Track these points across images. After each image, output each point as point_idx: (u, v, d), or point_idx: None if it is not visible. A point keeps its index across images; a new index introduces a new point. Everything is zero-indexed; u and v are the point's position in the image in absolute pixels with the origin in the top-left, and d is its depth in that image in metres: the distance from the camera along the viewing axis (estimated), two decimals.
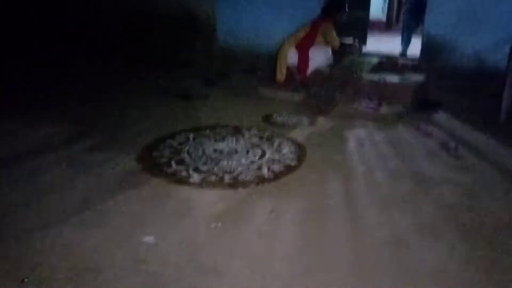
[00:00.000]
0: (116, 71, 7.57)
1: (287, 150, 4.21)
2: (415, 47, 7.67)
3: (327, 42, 6.24)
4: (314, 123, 5.04)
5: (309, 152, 4.13)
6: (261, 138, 4.53)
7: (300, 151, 4.18)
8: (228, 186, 3.47)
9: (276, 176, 3.64)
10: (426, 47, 5.80)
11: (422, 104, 5.52)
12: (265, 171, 3.72)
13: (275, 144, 4.35)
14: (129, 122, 4.99)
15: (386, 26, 13.50)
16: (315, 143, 4.38)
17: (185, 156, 4.04)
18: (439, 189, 3.39)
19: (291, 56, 6.20)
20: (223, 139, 4.49)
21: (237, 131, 4.73)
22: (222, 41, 8.05)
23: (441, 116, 5.31)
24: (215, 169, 3.75)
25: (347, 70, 6.11)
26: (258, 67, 7.48)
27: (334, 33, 6.09)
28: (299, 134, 4.64)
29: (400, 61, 6.25)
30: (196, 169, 3.74)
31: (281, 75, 6.27)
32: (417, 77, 5.79)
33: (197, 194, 3.30)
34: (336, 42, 6.03)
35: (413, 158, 4.00)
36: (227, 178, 3.58)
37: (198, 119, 5.17)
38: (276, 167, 3.80)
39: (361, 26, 8.12)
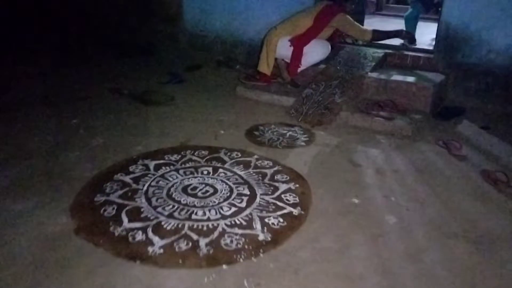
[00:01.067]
0: (49, 57, 6.17)
1: (284, 187, 3.11)
2: (426, 38, 6.66)
3: (343, 36, 5.16)
4: (312, 140, 3.96)
5: (314, 189, 3.08)
6: (246, 166, 3.41)
7: (302, 189, 3.11)
8: (205, 261, 2.36)
9: (275, 237, 2.56)
10: (443, 39, 4.77)
11: (442, 112, 4.53)
12: (258, 228, 2.63)
13: (267, 178, 3.24)
14: (62, 143, 3.73)
15: (377, 7, 12.45)
16: (320, 173, 3.33)
17: (142, 202, 2.87)
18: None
19: (283, 46, 5.01)
20: (195, 169, 3.34)
21: (213, 155, 3.59)
22: (190, 25, 6.76)
23: (467, 128, 4.33)
24: (186, 226, 2.62)
25: (346, 66, 5.02)
26: (236, 59, 6.28)
27: (355, 23, 4.92)
28: (296, 159, 3.56)
29: (410, 56, 5.20)
30: (158, 228, 2.59)
31: (267, 68, 5.10)
32: (433, 77, 4.77)
33: (158, 279, 2.18)
34: (368, 33, 4.81)
35: (456, 199, 3.02)
36: (203, 244, 2.47)
37: (162, 135, 3.99)
38: (273, 220, 2.71)
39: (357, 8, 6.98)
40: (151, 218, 2.72)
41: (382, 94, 4.63)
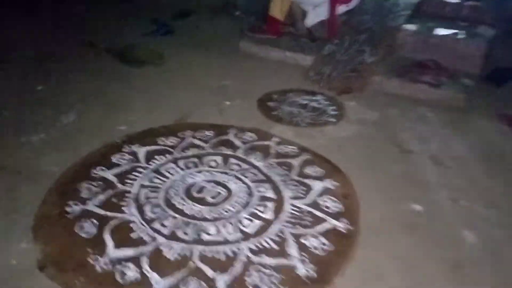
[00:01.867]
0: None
1: (319, 187, 2.39)
2: None
3: None
4: (342, 114, 3.19)
5: (358, 188, 2.36)
6: (265, 154, 2.66)
7: (343, 189, 2.42)
8: None
9: (321, 272, 1.88)
10: None
11: (493, 74, 3.77)
12: (294, 254, 1.93)
13: (294, 171, 2.50)
14: (21, 121, 2.91)
15: None
16: (361, 164, 2.65)
17: (132, 213, 2.13)
18: None
19: None
20: (199, 160, 2.57)
21: (220, 137, 2.82)
22: None
23: None
24: (196, 254, 1.91)
25: (374, 16, 4.16)
26: (235, 4, 5.31)
27: None
28: (326, 142, 2.82)
29: (451, 4, 4.34)
30: (157, 258, 1.90)
31: (280, 12, 4.19)
32: (482, 31, 3.96)
33: None
34: None
35: None
36: (222, 285, 1.77)
37: (151, 108, 3.18)
38: (314, 242, 2.02)
39: None
40: (147, 240, 1.99)
41: (422, 52, 3.83)
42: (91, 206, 2.18)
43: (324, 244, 2.02)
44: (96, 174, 2.42)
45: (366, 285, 1.83)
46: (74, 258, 1.88)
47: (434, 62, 3.67)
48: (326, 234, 2.09)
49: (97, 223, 2.07)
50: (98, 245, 1.94)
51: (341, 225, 2.14)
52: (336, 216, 2.20)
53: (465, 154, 2.78)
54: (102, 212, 2.14)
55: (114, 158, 2.57)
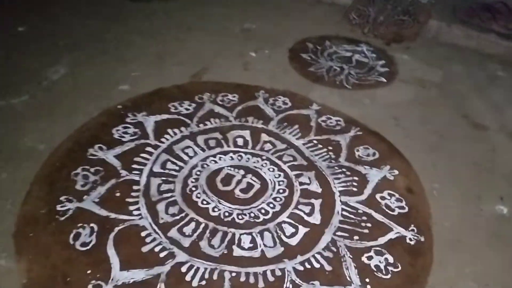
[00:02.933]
0: None
1: (376, 176, 1.92)
2: None
3: None
4: (394, 71, 2.62)
5: (424, 179, 1.92)
6: (304, 128, 2.16)
7: (406, 180, 1.97)
8: None
9: None
10: None
11: None
12: (354, 279, 1.51)
13: (342, 154, 2.02)
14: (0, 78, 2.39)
15: None
16: (424, 143, 2.17)
17: (142, 213, 1.67)
18: None
19: None
20: (223, 135, 2.08)
21: (247, 103, 2.30)
22: None
23: None
24: (227, 277, 1.49)
25: None
26: None
27: None
28: (379, 112, 2.30)
29: None
30: (177, 281, 1.46)
31: None
32: None
33: None
34: None
35: None
36: None
37: (159, 59, 2.62)
38: (377, 260, 1.57)
39: None
40: (161, 254, 1.54)
41: None
42: (88, 203, 1.71)
43: (388, 262, 1.58)
44: (93, 155, 1.93)
45: None
46: (69, 285, 1.44)
47: (505, 6, 2.99)
48: (391, 248, 1.64)
49: (97, 229, 1.61)
50: (99, 263, 1.51)
51: (409, 234, 1.69)
52: (401, 220, 1.75)
53: None
54: (103, 212, 1.68)
55: (116, 132, 2.06)
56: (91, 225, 1.63)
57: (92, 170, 1.86)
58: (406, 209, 1.79)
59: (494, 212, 1.81)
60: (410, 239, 1.68)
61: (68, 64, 2.50)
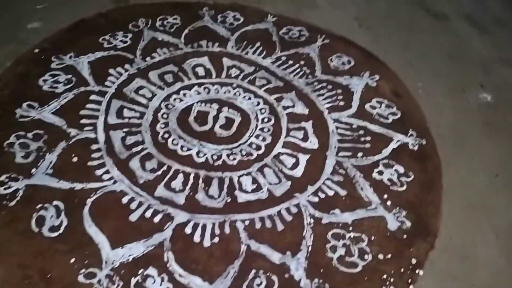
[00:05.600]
0: None
1: (359, 86, 1.83)
2: None
3: None
4: None
5: (404, 78, 1.85)
6: (268, 45, 1.95)
7: (388, 82, 1.86)
8: None
9: (415, 214, 1.42)
10: None
11: None
12: (372, 198, 1.45)
13: (317, 67, 1.87)
14: None
15: None
16: (393, 41, 2.08)
17: (115, 177, 1.40)
18: None
19: None
20: (178, 67, 1.79)
21: (193, 25, 2.02)
22: None
23: None
24: (238, 228, 1.34)
25: None
26: None
27: None
28: (339, 13, 2.14)
29: None
30: (185, 246, 1.28)
31: None
32: None
33: None
34: None
35: None
36: (299, 273, 1.25)
37: None
38: (389, 173, 1.51)
39: None
40: (155, 219, 1.32)
41: None
42: (41, 178, 1.39)
43: (401, 174, 1.52)
44: (25, 116, 1.54)
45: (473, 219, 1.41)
46: (54, 284, 1.17)
47: None
48: (397, 158, 1.57)
49: (64, 207, 1.31)
50: (82, 247, 1.24)
51: (410, 141, 1.62)
52: (398, 127, 1.68)
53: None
54: (64, 185, 1.37)
55: (44, 83, 1.66)
56: (55, 203, 1.33)
57: (29, 135, 1.49)
58: (399, 115, 1.72)
59: (480, 101, 1.81)
60: (413, 145, 1.62)
61: None
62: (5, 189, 1.34)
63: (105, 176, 1.40)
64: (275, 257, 1.27)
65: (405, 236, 1.36)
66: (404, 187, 1.49)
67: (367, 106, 1.74)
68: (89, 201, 1.34)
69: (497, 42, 2.10)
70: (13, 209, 1.30)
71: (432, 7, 2.26)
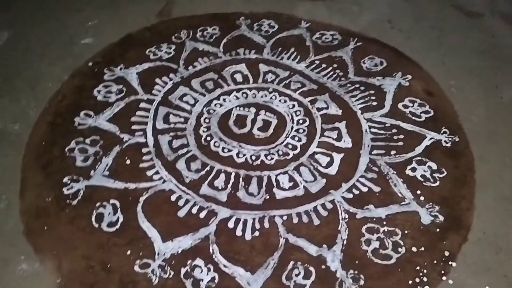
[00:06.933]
0: None
1: (392, 86, 1.87)
2: None
3: None
4: None
5: (436, 76, 1.90)
6: (302, 50, 2.04)
7: (421, 81, 1.91)
8: None
9: (448, 209, 1.47)
10: None
11: None
12: (405, 194, 1.52)
13: (350, 69, 1.93)
14: None
15: None
16: (427, 38, 2.12)
17: (163, 177, 1.53)
18: None
19: None
20: (218, 74, 1.91)
21: (231, 34, 2.14)
22: None
23: None
24: (277, 223, 1.42)
25: None
26: None
27: None
28: (372, 17, 2.20)
29: None
30: (228, 239, 1.38)
31: None
32: None
33: None
34: None
35: None
36: (335, 264, 1.32)
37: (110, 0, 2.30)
38: (422, 170, 1.55)
39: None
40: (201, 214, 1.43)
41: None
42: (99, 179, 1.53)
43: (434, 170, 1.56)
44: (82, 124, 1.70)
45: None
46: (113, 273, 1.30)
47: None
48: (430, 155, 1.62)
49: (120, 205, 1.45)
50: (137, 240, 1.37)
51: (443, 138, 1.66)
52: (430, 125, 1.72)
53: None
54: (119, 185, 1.51)
55: (98, 93, 1.82)
56: (112, 201, 1.47)
57: (87, 141, 1.64)
58: (432, 113, 1.76)
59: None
60: (446, 142, 1.65)
61: (9, 25, 2.14)
62: (68, 189, 1.50)
63: (155, 177, 1.53)
64: (312, 249, 1.35)
65: (438, 229, 1.41)
66: (437, 183, 1.53)
67: (399, 105, 1.79)
68: (141, 199, 1.47)
69: None
70: (76, 207, 1.46)
71: (465, 5, 2.26)
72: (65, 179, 1.52)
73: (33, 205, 1.46)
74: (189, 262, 1.32)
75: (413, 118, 1.74)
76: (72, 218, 1.43)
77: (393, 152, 1.62)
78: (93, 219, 1.43)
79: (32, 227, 1.42)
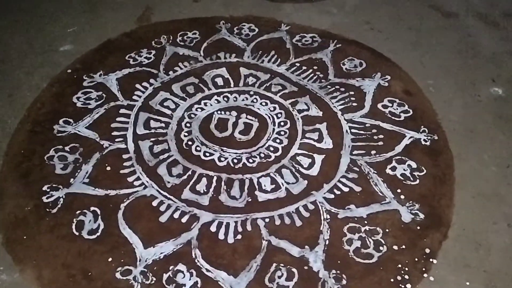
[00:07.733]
0: None
1: (371, 87, 1.89)
2: None
3: None
4: None
5: (414, 75, 1.92)
6: (282, 53, 2.04)
7: (400, 82, 1.94)
8: None
9: (428, 207, 1.49)
10: None
11: None
12: (386, 193, 1.52)
13: (329, 71, 1.95)
14: None
15: None
16: (404, 40, 2.14)
17: (144, 183, 1.53)
18: None
19: None
20: (199, 79, 1.92)
21: (211, 38, 2.13)
22: None
23: None
24: (259, 225, 1.42)
25: None
26: None
27: None
28: (350, 18, 2.23)
29: None
30: (210, 243, 1.39)
31: None
32: None
33: None
34: None
35: None
36: (318, 264, 1.33)
37: (93, 4, 2.29)
38: (402, 169, 1.57)
39: None
40: (183, 219, 1.42)
41: None
42: (79, 186, 1.52)
43: (414, 168, 1.58)
44: (62, 131, 1.68)
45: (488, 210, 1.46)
46: (95, 281, 1.29)
47: None
48: (409, 154, 1.63)
49: (101, 212, 1.44)
50: (118, 247, 1.36)
51: (422, 137, 1.68)
52: (409, 124, 1.74)
53: None
54: (100, 192, 1.50)
55: (77, 100, 1.81)
56: (92, 209, 1.45)
57: (67, 148, 1.63)
58: (411, 112, 1.78)
59: (491, 95, 1.85)
60: (425, 140, 1.67)
61: None
62: (47, 198, 1.48)
63: (136, 183, 1.52)
64: (295, 251, 1.35)
65: (418, 227, 1.42)
66: (417, 181, 1.54)
67: (379, 106, 1.80)
68: (122, 206, 1.46)
69: (508, 36, 2.13)
70: (56, 216, 1.44)
71: (442, 6, 2.30)
72: (45, 188, 1.50)
73: (12, 215, 1.44)
74: (171, 267, 1.31)
75: (393, 118, 1.76)
76: (52, 227, 1.41)
77: (373, 152, 1.63)
78: (73, 227, 1.41)
79: (11, 237, 1.40)
